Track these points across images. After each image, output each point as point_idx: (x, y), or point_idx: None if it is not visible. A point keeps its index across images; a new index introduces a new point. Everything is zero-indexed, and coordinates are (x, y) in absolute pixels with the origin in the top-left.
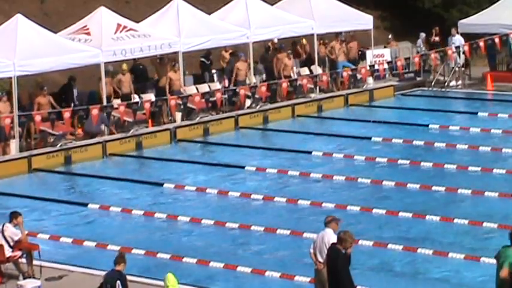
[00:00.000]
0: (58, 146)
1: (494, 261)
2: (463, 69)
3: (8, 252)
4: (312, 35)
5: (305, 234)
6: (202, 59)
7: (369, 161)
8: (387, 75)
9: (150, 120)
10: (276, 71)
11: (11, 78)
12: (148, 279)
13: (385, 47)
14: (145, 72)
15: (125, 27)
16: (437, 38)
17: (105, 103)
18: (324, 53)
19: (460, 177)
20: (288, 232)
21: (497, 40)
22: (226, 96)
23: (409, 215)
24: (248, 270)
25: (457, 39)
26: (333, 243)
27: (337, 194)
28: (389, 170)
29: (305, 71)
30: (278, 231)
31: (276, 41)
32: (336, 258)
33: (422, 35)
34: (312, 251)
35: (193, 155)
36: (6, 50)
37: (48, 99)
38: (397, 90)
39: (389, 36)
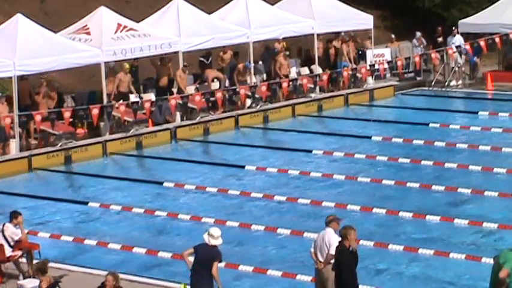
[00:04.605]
0: (58, 145)
1: None
2: (463, 69)
3: (8, 251)
4: (312, 34)
5: (305, 234)
6: (202, 59)
7: (369, 160)
8: (387, 75)
9: (150, 120)
10: (272, 71)
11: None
12: (148, 279)
13: (387, 46)
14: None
15: (125, 27)
16: (440, 39)
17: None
18: (334, 52)
19: (460, 176)
20: (288, 231)
21: (497, 40)
22: (227, 95)
23: (409, 214)
24: (250, 269)
25: (457, 39)
26: (339, 242)
27: (337, 193)
28: (389, 169)
29: (305, 70)
30: (278, 230)
31: (281, 38)
32: (341, 255)
33: (418, 34)
34: (312, 250)
35: (194, 154)
36: (6, 49)
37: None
38: (397, 90)
39: (392, 35)
